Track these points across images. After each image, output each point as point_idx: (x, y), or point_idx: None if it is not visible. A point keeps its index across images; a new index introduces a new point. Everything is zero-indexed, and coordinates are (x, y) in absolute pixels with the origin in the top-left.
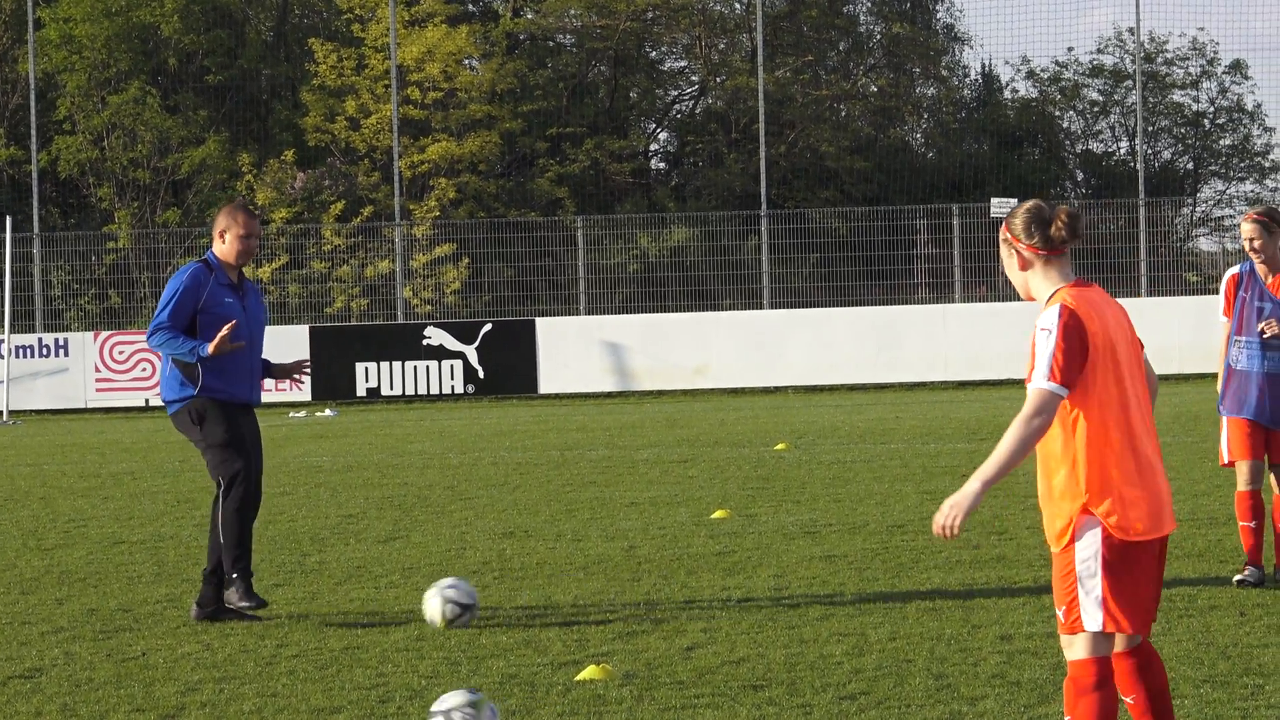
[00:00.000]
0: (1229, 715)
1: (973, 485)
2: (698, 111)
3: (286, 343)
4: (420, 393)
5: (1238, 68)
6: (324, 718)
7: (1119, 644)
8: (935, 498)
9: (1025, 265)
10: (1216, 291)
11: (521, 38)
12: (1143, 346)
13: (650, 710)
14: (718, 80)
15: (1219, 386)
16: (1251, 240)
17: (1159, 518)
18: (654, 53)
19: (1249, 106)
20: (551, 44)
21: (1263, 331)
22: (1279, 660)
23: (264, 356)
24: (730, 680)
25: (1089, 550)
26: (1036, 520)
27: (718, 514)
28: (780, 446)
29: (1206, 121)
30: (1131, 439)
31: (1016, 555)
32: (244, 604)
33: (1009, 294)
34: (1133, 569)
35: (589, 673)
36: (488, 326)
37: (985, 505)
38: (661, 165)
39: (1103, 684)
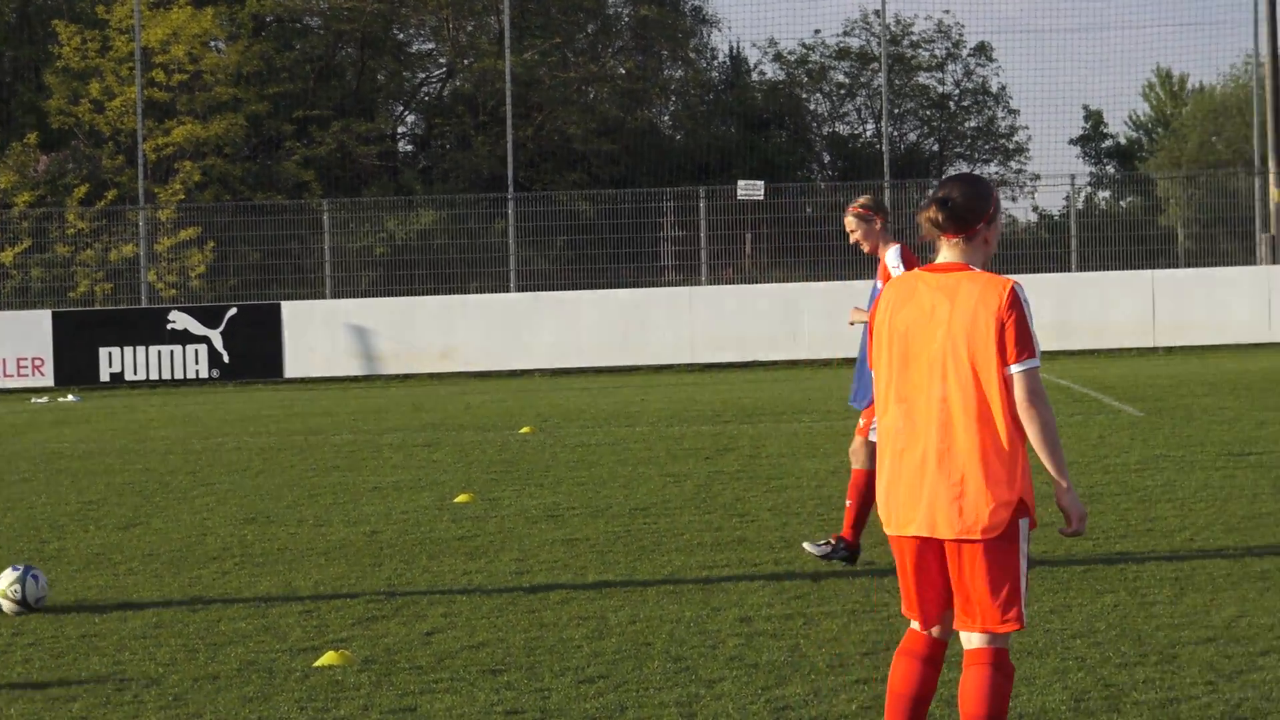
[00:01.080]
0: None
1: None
2: (445, 94)
3: (29, 327)
4: (164, 377)
5: (983, 50)
6: (59, 706)
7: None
8: (679, 480)
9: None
10: None
11: (268, 20)
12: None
13: (388, 696)
14: (465, 63)
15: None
16: (852, 233)
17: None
18: (401, 35)
19: (994, 89)
20: (298, 26)
21: (851, 322)
22: (1015, 639)
23: None
24: (470, 665)
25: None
26: (779, 503)
27: (461, 498)
28: (525, 430)
29: (952, 104)
30: (894, 430)
31: (758, 538)
32: None
33: (755, 277)
34: None
35: (328, 658)
36: (233, 311)
37: (728, 488)
38: (409, 148)
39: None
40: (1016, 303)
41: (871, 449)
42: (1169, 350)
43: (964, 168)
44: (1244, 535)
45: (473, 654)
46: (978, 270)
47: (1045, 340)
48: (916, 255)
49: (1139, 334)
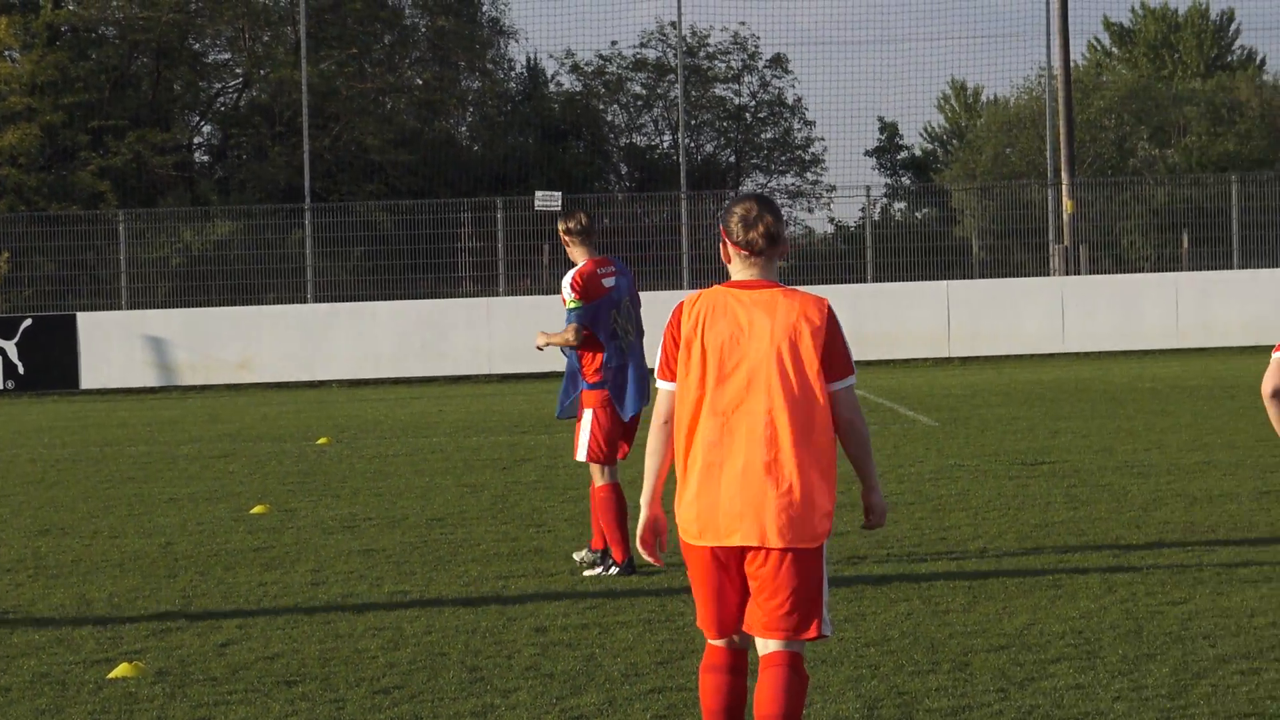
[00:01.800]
0: None
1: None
2: (242, 104)
3: None
4: None
5: (779, 62)
6: None
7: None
8: (476, 491)
9: (727, 259)
10: None
11: (63, 29)
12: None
13: (182, 708)
14: (261, 73)
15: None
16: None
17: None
18: (197, 45)
19: (789, 100)
20: (94, 35)
21: (539, 346)
22: (809, 649)
23: None
24: (264, 676)
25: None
26: (575, 513)
27: (257, 509)
28: (322, 441)
29: (748, 115)
30: (709, 442)
31: (554, 548)
32: None
33: (552, 287)
34: None
35: (121, 670)
36: (28, 322)
37: (525, 498)
38: (205, 158)
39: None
40: (834, 320)
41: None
42: (964, 360)
43: (761, 179)
44: (1036, 544)
45: (267, 665)
46: (789, 287)
47: None
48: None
49: (934, 344)
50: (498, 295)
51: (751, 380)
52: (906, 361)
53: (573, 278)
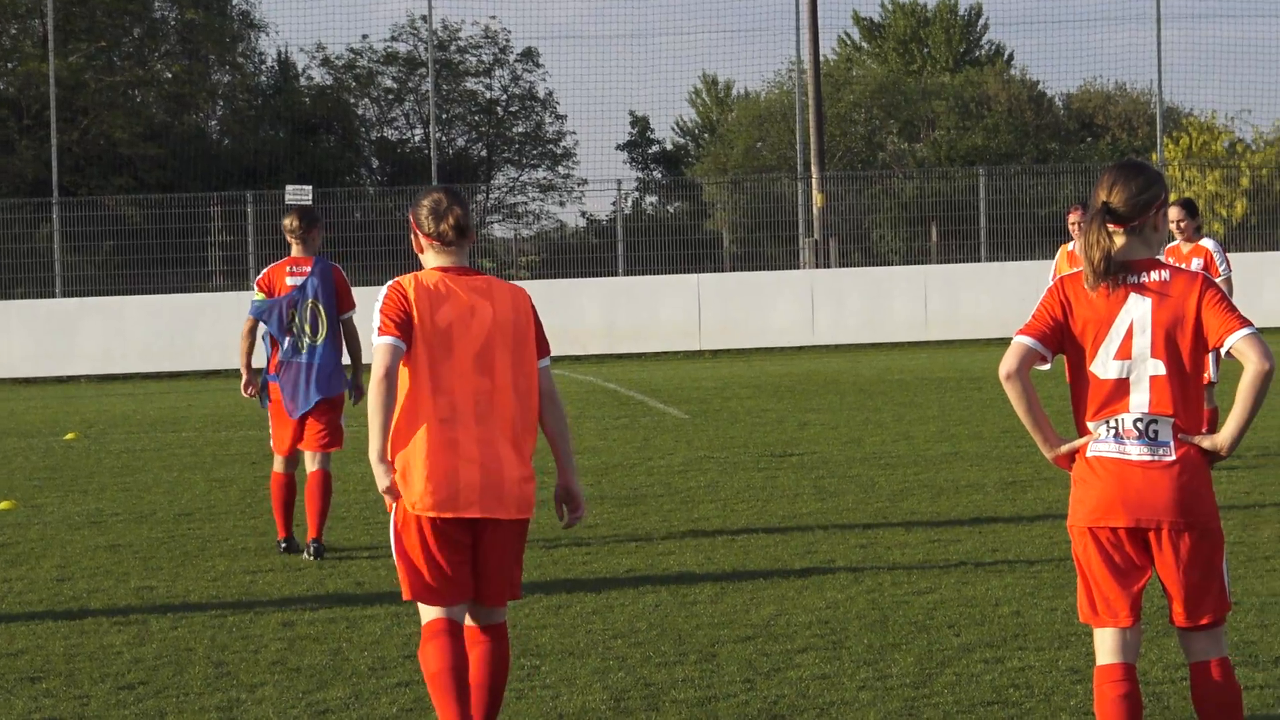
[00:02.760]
0: (505, 697)
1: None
2: None
3: None
4: None
5: (530, 55)
6: None
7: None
8: (224, 485)
9: (419, 249)
10: (512, 277)
11: None
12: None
13: None
14: (9, 65)
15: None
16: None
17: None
18: None
19: (541, 94)
20: None
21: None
22: (554, 641)
23: None
24: (8, 672)
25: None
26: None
27: (2, 505)
28: (70, 436)
29: (500, 109)
30: (440, 420)
31: (302, 542)
32: None
33: None
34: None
35: None
36: None
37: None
38: None
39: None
40: (533, 306)
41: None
42: (715, 353)
43: (513, 173)
44: (784, 535)
45: (11, 661)
46: (492, 276)
47: (593, 344)
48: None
49: (685, 337)
50: (248, 289)
51: (478, 359)
52: (657, 354)
53: (262, 273)
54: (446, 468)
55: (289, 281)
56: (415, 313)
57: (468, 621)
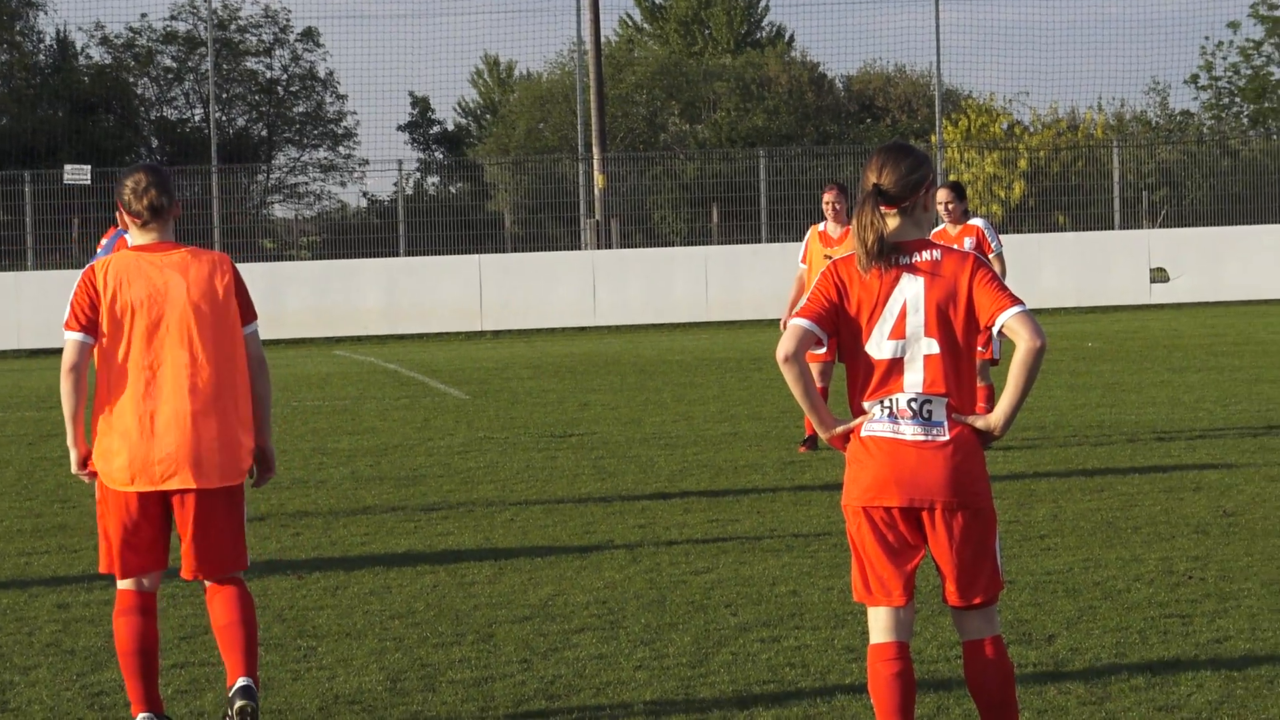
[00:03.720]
0: (281, 678)
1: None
2: None
3: None
4: None
5: (310, 35)
6: None
7: None
8: (0, 467)
9: (124, 225)
10: (293, 258)
11: None
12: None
13: None
14: None
15: None
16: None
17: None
18: None
19: (321, 74)
20: None
21: None
22: (332, 622)
23: None
24: None
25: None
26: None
27: None
28: None
29: (280, 89)
30: (137, 395)
31: (79, 523)
32: None
33: (82, 261)
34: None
35: None
36: None
37: (50, 474)
38: None
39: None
40: (238, 272)
41: None
42: (496, 334)
43: (294, 153)
44: (563, 516)
45: None
46: (194, 247)
47: (374, 324)
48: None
49: (467, 318)
50: (26, 270)
51: (178, 334)
52: (439, 335)
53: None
54: (141, 441)
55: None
56: (105, 298)
57: (221, 580)
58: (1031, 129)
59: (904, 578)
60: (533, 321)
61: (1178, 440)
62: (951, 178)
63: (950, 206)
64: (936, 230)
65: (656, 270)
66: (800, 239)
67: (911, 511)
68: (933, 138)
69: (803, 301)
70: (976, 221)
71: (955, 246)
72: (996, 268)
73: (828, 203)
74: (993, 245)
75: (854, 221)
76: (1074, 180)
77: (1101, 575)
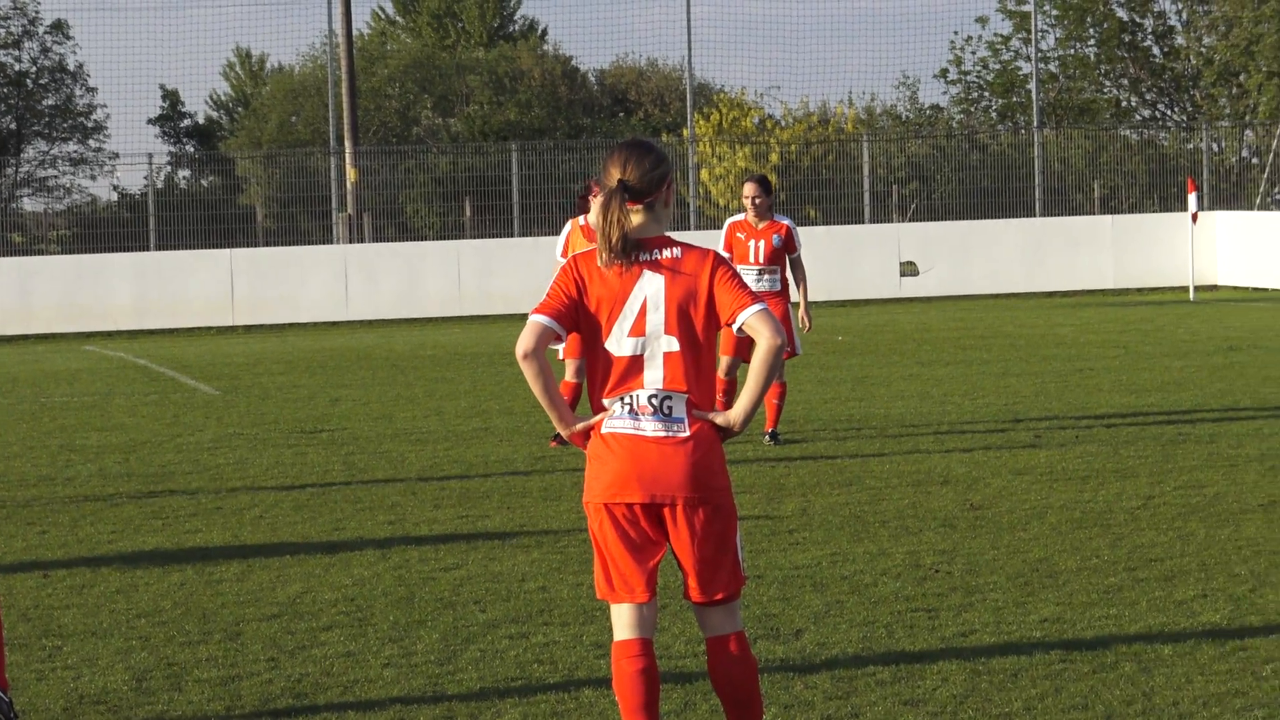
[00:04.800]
0: (25, 678)
1: None
2: None
3: None
4: None
5: (59, 27)
6: None
7: None
8: None
9: None
10: (43, 252)
11: None
12: None
13: None
14: None
15: None
16: None
17: None
18: None
19: (71, 66)
20: None
21: None
22: (77, 621)
23: None
24: None
25: None
26: None
27: None
28: None
29: (29, 81)
30: None
31: None
32: None
33: None
34: None
35: None
36: None
37: None
38: None
39: None
40: None
41: None
42: (248, 328)
43: (43, 146)
44: (312, 512)
45: None
46: None
47: (124, 319)
48: None
49: (218, 312)
50: None
51: None
52: (190, 330)
53: None
54: None
55: None
56: None
57: None
58: (783, 123)
59: (646, 574)
60: (285, 316)
61: (926, 434)
62: (704, 173)
63: (757, 200)
64: (737, 219)
65: (409, 264)
66: (553, 233)
67: (653, 508)
68: (684, 131)
69: (542, 297)
70: (784, 220)
71: (761, 242)
72: (802, 268)
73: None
74: (797, 245)
75: (599, 217)
76: (825, 174)
77: (849, 569)
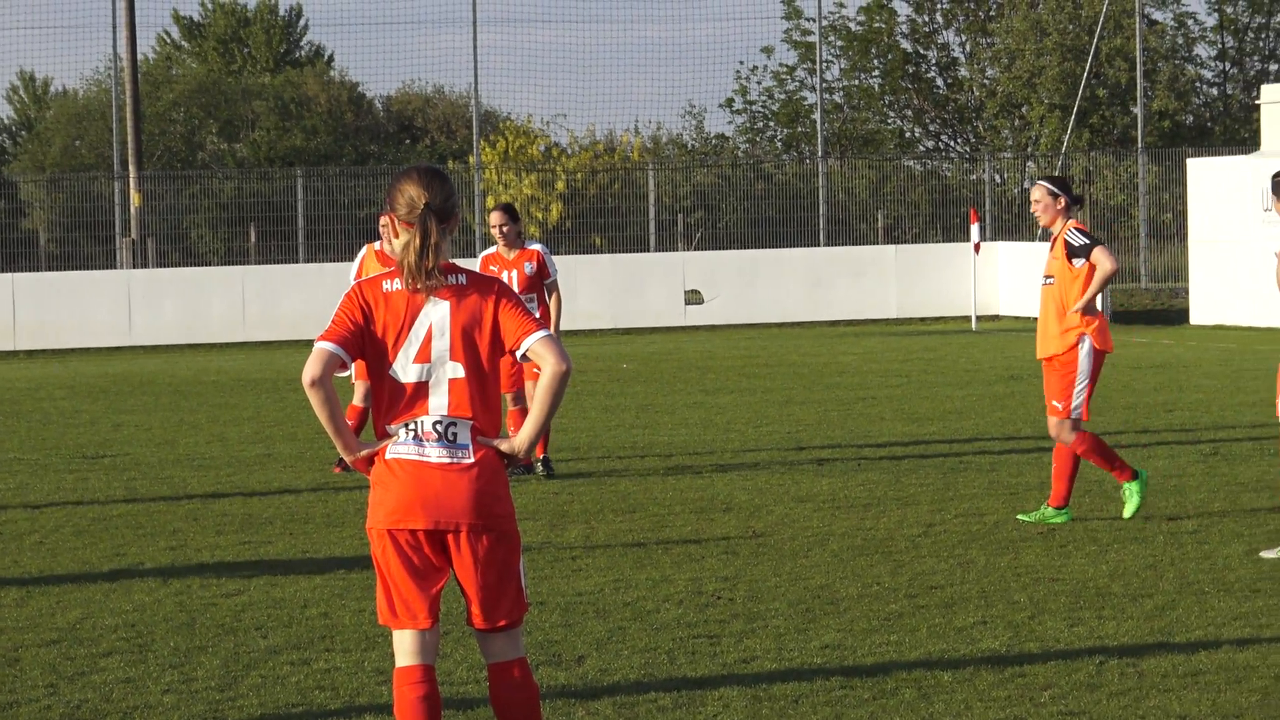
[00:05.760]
0: None
1: None
2: None
3: None
4: None
5: None
6: None
7: None
8: None
9: None
10: None
11: None
12: None
13: None
14: None
15: None
16: None
17: None
18: None
19: None
20: None
21: None
22: None
23: None
24: None
25: None
26: None
27: None
28: None
29: None
30: None
31: None
32: None
33: None
34: None
35: None
36: None
37: None
38: None
39: None
40: None
41: None
42: (30, 353)
43: None
44: (93, 538)
45: None
46: None
47: None
48: None
49: (0, 337)
50: None
51: None
52: None
53: None
54: None
55: None
56: None
57: None
58: (569, 151)
59: (429, 600)
60: (68, 341)
61: (710, 461)
62: (490, 200)
63: (505, 229)
64: (489, 253)
65: (193, 290)
66: (339, 259)
67: (436, 534)
68: (470, 159)
69: (328, 324)
70: (536, 246)
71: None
72: (557, 294)
73: (384, 225)
74: (551, 272)
75: (410, 240)
76: (610, 202)
77: (632, 596)
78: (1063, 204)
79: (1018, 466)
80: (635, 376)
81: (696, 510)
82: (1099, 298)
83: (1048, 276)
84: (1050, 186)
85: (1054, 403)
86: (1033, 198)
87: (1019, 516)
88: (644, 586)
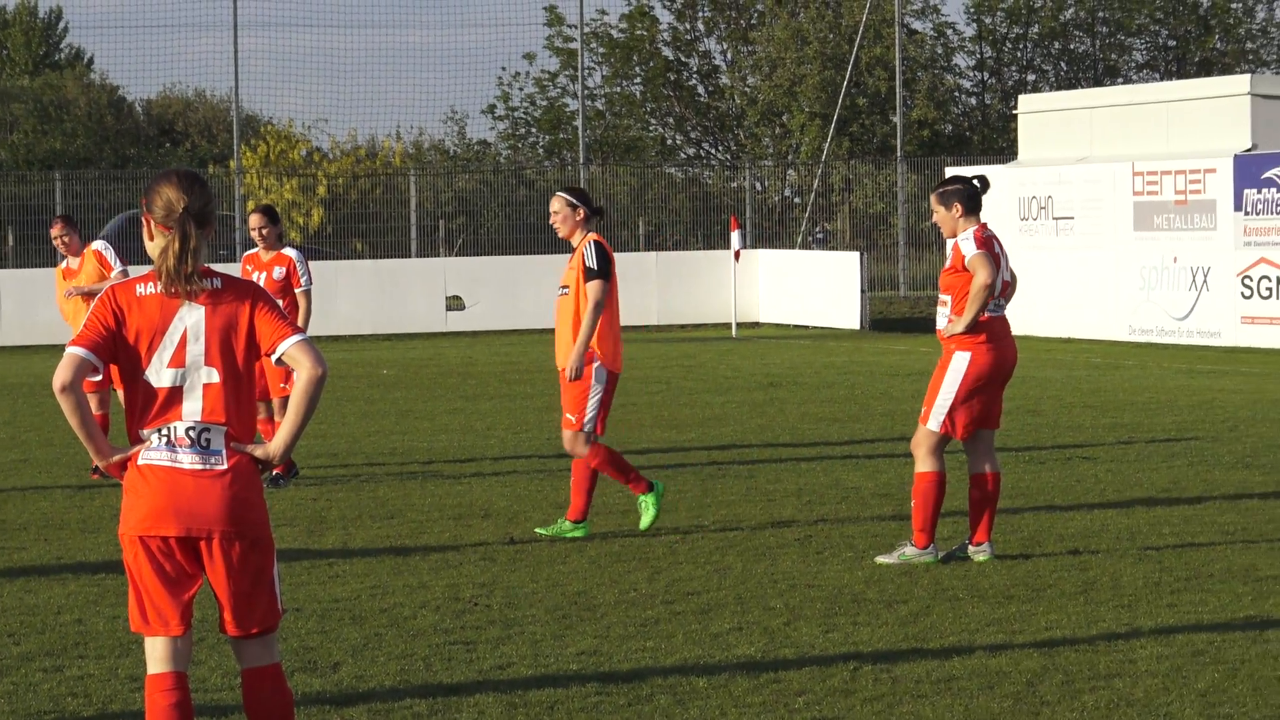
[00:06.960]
0: None
1: None
2: None
3: None
4: None
5: None
6: None
7: None
8: None
9: None
10: None
11: None
12: None
13: None
14: None
15: None
16: None
17: None
18: None
19: None
20: None
21: None
22: None
23: None
24: None
25: None
26: None
27: None
28: None
29: None
30: None
31: None
32: None
33: None
34: None
35: None
36: None
37: None
38: None
39: None
40: None
41: None
42: None
43: None
44: None
45: None
46: None
47: None
48: None
49: None
50: None
51: None
52: None
53: None
54: None
55: None
56: None
57: None
58: (331, 156)
59: (181, 607)
60: None
61: (469, 468)
62: (250, 204)
63: (264, 231)
64: (250, 253)
65: None
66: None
67: (189, 541)
68: (231, 163)
69: (79, 329)
70: (290, 252)
71: (260, 275)
72: (303, 304)
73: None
74: (302, 280)
75: (169, 244)
76: (372, 207)
77: (389, 602)
78: (581, 215)
79: (775, 473)
80: (395, 382)
81: (455, 516)
82: (590, 324)
83: (563, 287)
84: (569, 198)
85: (568, 415)
86: (552, 209)
87: (537, 530)
88: (401, 593)
